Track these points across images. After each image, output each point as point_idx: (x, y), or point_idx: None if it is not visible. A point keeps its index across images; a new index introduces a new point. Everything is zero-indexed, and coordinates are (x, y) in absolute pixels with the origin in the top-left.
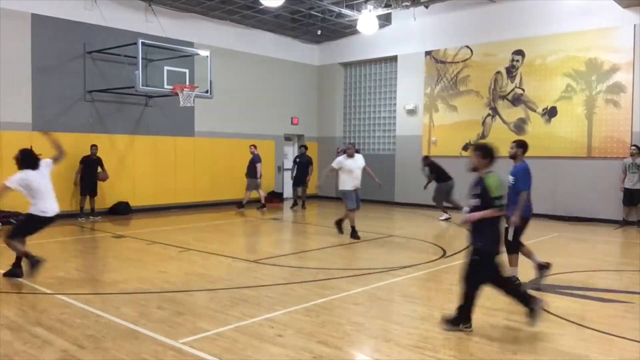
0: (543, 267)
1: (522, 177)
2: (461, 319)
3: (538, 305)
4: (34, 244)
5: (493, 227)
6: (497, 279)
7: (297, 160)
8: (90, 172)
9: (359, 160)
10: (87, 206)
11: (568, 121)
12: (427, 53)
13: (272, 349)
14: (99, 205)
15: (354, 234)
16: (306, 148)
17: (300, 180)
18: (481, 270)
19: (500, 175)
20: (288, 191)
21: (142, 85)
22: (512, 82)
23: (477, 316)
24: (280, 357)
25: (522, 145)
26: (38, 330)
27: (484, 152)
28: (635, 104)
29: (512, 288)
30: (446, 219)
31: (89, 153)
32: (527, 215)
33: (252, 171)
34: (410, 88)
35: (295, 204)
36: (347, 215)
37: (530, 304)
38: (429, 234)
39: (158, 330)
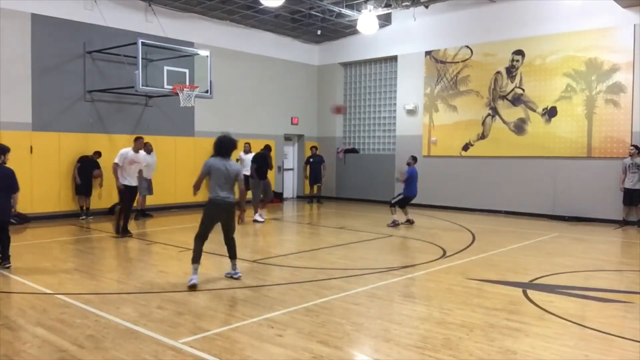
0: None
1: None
2: None
3: None
4: (34, 243)
5: None
6: None
7: (311, 160)
8: (86, 173)
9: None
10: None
11: (568, 121)
12: (427, 53)
13: (272, 349)
14: (99, 205)
15: None
16: (317, 148)
17: (315, 179)
18: None
19: None
20: (288, 191)
21: (142, 85)
22: (512, 82)
23: (477, 316)
24: (280, 357)
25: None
26: (38, 330)
27: None
28: (635, 104)
29: None
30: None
31: (87, 153)
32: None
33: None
34: (410, 88)
35: (311, 200)
36: None
37: None
38: (428, 234)
39: (158, 330)
